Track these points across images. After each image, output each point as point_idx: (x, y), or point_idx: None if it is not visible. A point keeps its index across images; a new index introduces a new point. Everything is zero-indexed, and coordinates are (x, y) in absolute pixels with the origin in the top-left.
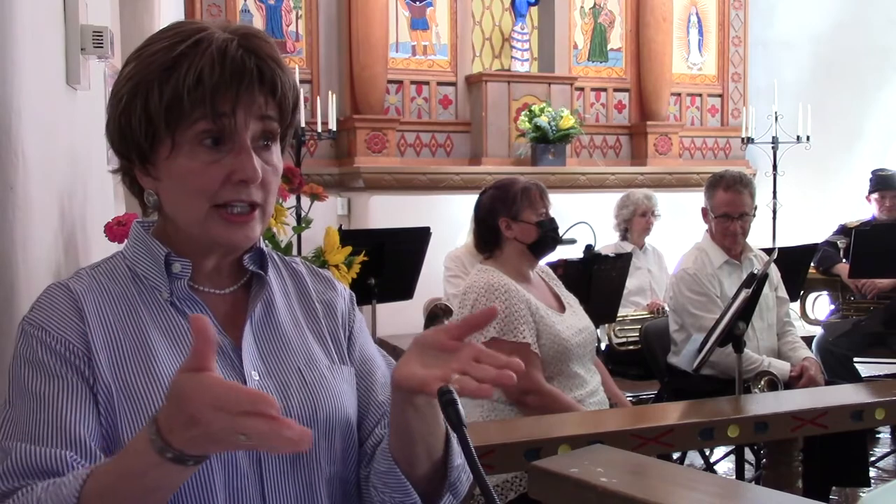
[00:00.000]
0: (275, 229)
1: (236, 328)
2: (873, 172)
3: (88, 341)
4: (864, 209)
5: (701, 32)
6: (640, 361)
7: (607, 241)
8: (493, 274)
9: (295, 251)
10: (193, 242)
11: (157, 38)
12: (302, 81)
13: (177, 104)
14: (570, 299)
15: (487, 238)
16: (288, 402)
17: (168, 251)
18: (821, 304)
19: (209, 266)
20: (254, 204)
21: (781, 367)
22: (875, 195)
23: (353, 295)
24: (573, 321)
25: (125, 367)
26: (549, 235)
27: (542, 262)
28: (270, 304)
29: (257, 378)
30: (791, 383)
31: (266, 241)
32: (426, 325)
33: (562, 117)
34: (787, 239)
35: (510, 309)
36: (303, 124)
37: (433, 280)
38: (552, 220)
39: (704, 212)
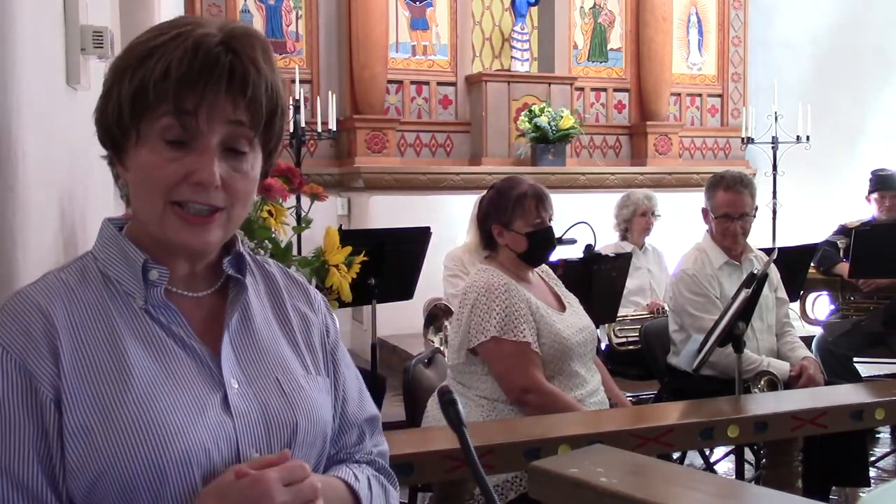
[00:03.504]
0: (275, 229)
1: (213, 335)
2: (873, 172)
3: (57, 364)
4: (864, 209)
5: (701, 32)
6: (640, 361)
7: (607, 241)
8: (493, 274)
9: (295, 251)
10: (161, 244)
11: (150, 29)
12: (302, 81)
13: (142, 95)
14: (570, 298)
15: (486, 240)
16: (267, 411)
17: (146, 257)
18: (821, 304)
19: (185, 269)
20: (214, 207)
21: (781, 367)
22: (875, 195)
23: (327, 302)
24: (573, 320)
25: (98, 381)
26: (539, 247)
27: None
28: (247, 310)
29: (237, 387)
30: (791, 383)
31: (267, 242)
32: (426, 325)
33: (562, 117)
34: (787, 239)
35: (511, 308)
36: (303, 124)
37: (433, 280)
38: (546, 230)
39: (705, 212)
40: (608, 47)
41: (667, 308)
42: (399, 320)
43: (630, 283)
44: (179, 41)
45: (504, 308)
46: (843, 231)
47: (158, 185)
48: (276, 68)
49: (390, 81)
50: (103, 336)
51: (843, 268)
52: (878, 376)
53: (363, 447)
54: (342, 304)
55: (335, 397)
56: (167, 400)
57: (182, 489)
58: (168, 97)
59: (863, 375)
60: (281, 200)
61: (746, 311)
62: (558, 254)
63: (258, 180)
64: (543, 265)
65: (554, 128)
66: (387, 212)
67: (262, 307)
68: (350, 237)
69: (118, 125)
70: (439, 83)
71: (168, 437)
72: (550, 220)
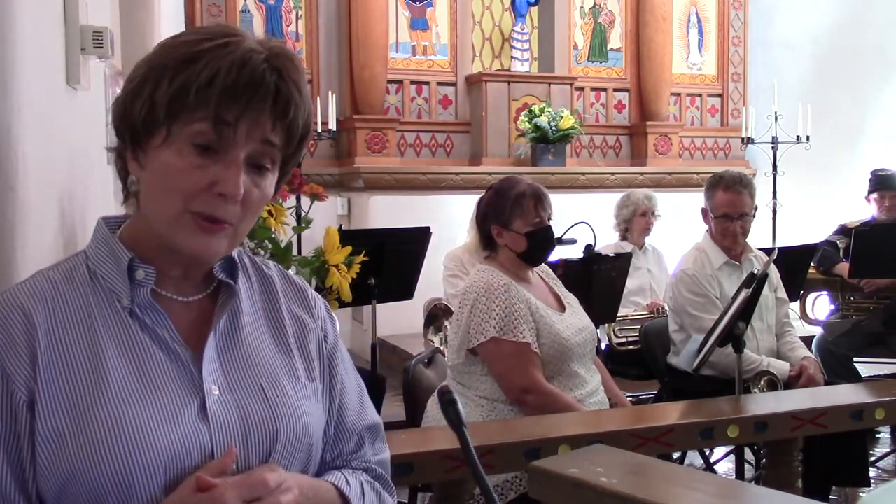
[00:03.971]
0: (274, 229)
1: (199, 339)
2: (872, 172)
3: (34, 366)
4: (864, 209)
5: (701, 32)
6: (640, 361)
7: (607, 241)
8: (492, 274)
9: (295, 251)
10: (161, 246)
11: (189, 32)
12: None
13: (182, 96)
14: (569, 298)
15: (486, 240)
16: (247, 419)
17: (132, 256)
18: (821, 304)
19: (176, 272)
20: (226, 222)
21: (781, 367)
22: (874, 195)
23: (328, 306)
24: (573, 320)
25: (72, 384)
26: (539, 246)
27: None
28: (237, 315)
29: (217, 393)
30: (790, 383)
31: (267, 242)
32: (426, 325)
33: (562, 117)
34: (787, 239)
35: (510, 308)
36: None
37: (433, 280)
38: (545, 230)
39: (704, 212)
40: (608, 47)
41: (667, 308)
42: (399, 320)
43: (630, 283)
44: (227, 51)
45: (504, 308)
46: (843, 231)
47: (180, 190)
48: (308, 90)
49: (390, 81)
50: (83, 338)
51: (843, 268)
52: (878, 376)
53: (362, 455)
54: (342, 304)
55: (330, 403)
56: (141, 405)
57: (150, 497)
58: (210, 104)
59: (863, 375)
60: (281, 200)
61: (746, 311)
62: (558, 254)
63: (269, 199)
64: (543, 265)
65: (554, 128)
66: (387, 212)
67: (254, 311)
68: (350, 237)
69: (146, 122)
70: (439, 83)
71: (138, 443)
72: (549, 219)
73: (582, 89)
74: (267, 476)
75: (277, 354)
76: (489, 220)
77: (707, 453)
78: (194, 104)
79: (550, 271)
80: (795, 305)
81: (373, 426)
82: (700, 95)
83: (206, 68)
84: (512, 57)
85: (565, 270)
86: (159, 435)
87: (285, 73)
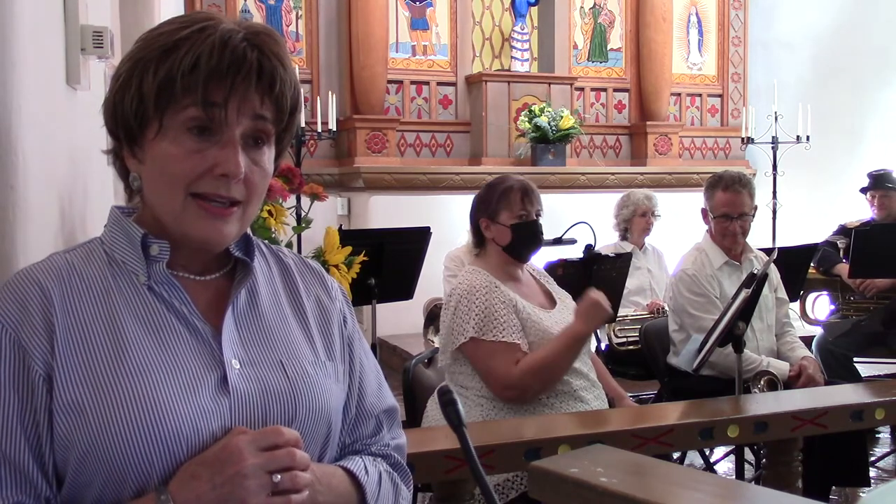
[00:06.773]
0: (274, 229)
1: (217, 316)
2: (868, 173)
3: (51, 339)
4: (864, 209)
5: (701, 32)
6: (640, 361)
7: (607, 241)
8: (476, 275)
9: (295, 251)
10: (175, 236)
11: (166, 23)
12: (302, 81)
13: (169, 86)
14: (561, 295)
15: (478, 236)
16: (267, 394)
17: (145, 232)
18: (821, 304)
19: (190, 252)
20: (234, 200)
21: (781, 367)
22: (867, 195)
23: (345, 291)
24: (562, 316)
25: (91, 356)
26: (523, 240)
27: (542, 262)
28: (254, 291)
29: (237, 367)
30: (790, 383)
31: (267, 242)
32: (426, 325)
33: (562, 117)
34: (787, 239)
35: (490, 309)
36: (303, 124)
37: (433, 280)
38: (531, 224)
39: (704, 212)
40: (608, 47)
41: (667, 308)
42: (399, 320)
43: (630, 283)
44: (205, 35)
45: (483, 309)
46: (843, 231)
47: (180, 177)
48: (293, 64)
49: (390, 81)
50: (101, 312)
51: (843, 268)
52: (878, 376)
53: (380, 438)
54: None
55: (350, 384)
56: (161, 377)
57: (169, 466)
58: (196, 89)
59: (863, 375)
60: (281, 200)
61: (746, 311)
62: (558, 254)
63: (271, 177)
64: (534, 264)
65: (554, 128)
66: (387, 212)
67: (272, 290)
68: (350, 237)
69: (137, 116)
70: (439, 83)
71: (158, 414)
72: (538, 215)
73: (582, 89)
74: (280, 427)
75: (297, 332)
76: (479, 214)
77: (707, 453)
78: (181, 92)
79: (542, 270)
80: (795, 305)
81: (390, 409)
82: (700, 95)
83: (187, 55)
84: (512, 57)
85: (565, 270)
86: (179, 406)
87: (266, 48)
